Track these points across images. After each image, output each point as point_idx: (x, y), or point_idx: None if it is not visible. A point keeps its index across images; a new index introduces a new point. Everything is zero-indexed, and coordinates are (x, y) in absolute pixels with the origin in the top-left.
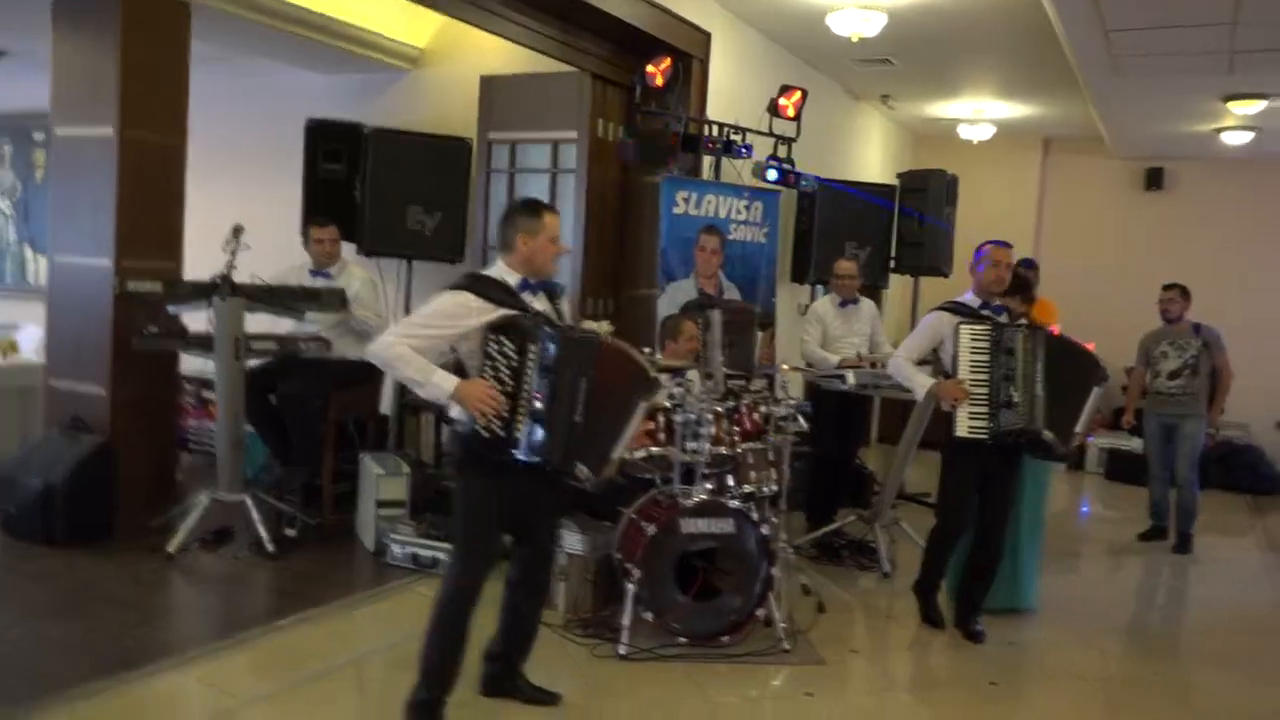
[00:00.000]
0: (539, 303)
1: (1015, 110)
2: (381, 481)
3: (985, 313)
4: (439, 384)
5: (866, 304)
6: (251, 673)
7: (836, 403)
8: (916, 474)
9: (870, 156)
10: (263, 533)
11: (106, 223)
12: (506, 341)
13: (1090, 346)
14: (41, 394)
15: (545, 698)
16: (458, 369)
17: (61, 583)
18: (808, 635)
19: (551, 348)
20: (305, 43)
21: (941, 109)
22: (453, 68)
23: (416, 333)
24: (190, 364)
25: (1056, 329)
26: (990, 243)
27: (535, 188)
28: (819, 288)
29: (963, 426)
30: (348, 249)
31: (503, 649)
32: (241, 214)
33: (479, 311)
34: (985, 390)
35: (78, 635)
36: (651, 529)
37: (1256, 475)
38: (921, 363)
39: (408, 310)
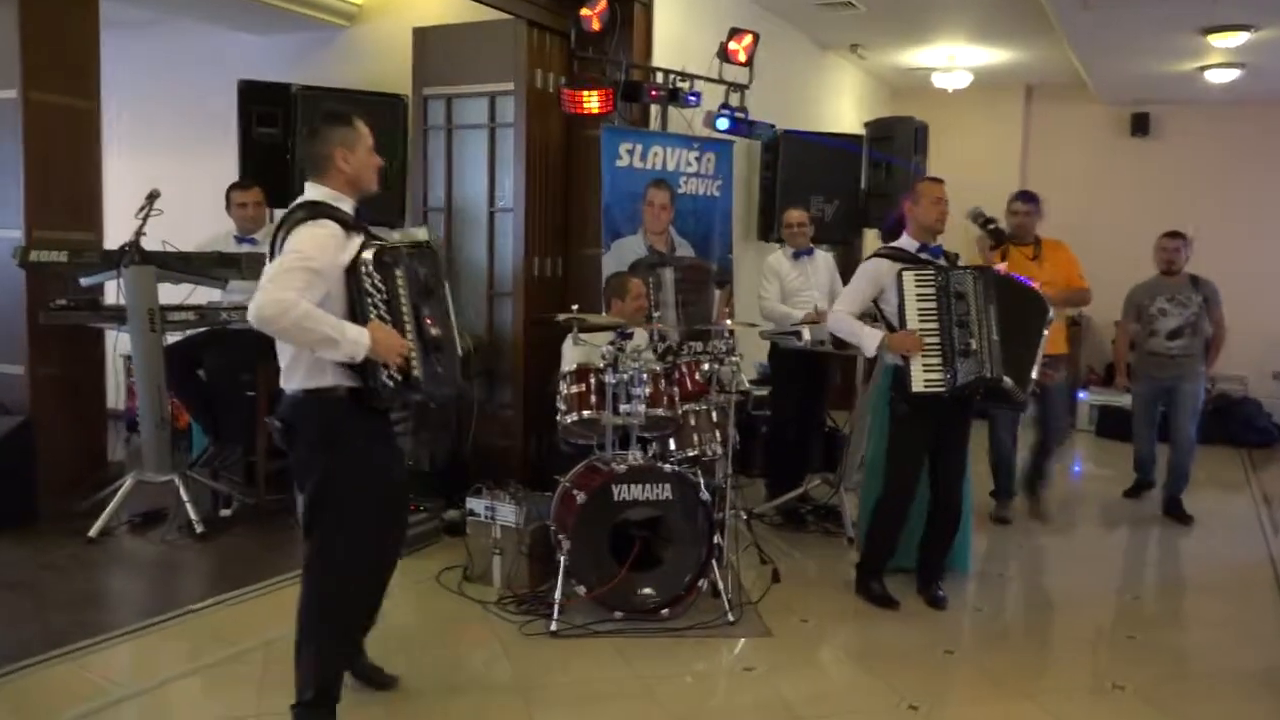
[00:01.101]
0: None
1: (993, 56)
2: None
3: (924, 256)
4: (355, 338)
5: (822, 256)
6: (144, 660)
7: (797, 361)
8: None
9: (842, 110)
10: (192, 514)
11: (14, 191)
12: (375, 275)
13: (1037, 286)
14: None
15: (381, 680)
16: None
17: None
18: (756, 606)
19: (419, 268)
20: (237, 1)
21: (914, 57)
22: (390, 22)
23: (305, 280)
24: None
25: (1085, 284)
26: (926, 179)
27: (473, 143)
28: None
29: (919, 380)
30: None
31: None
32: (179, 182)
33: (347, 243)
34: (937, 340)
35: None
36: (581, 496)
37: (1252, 428)
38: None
39: None
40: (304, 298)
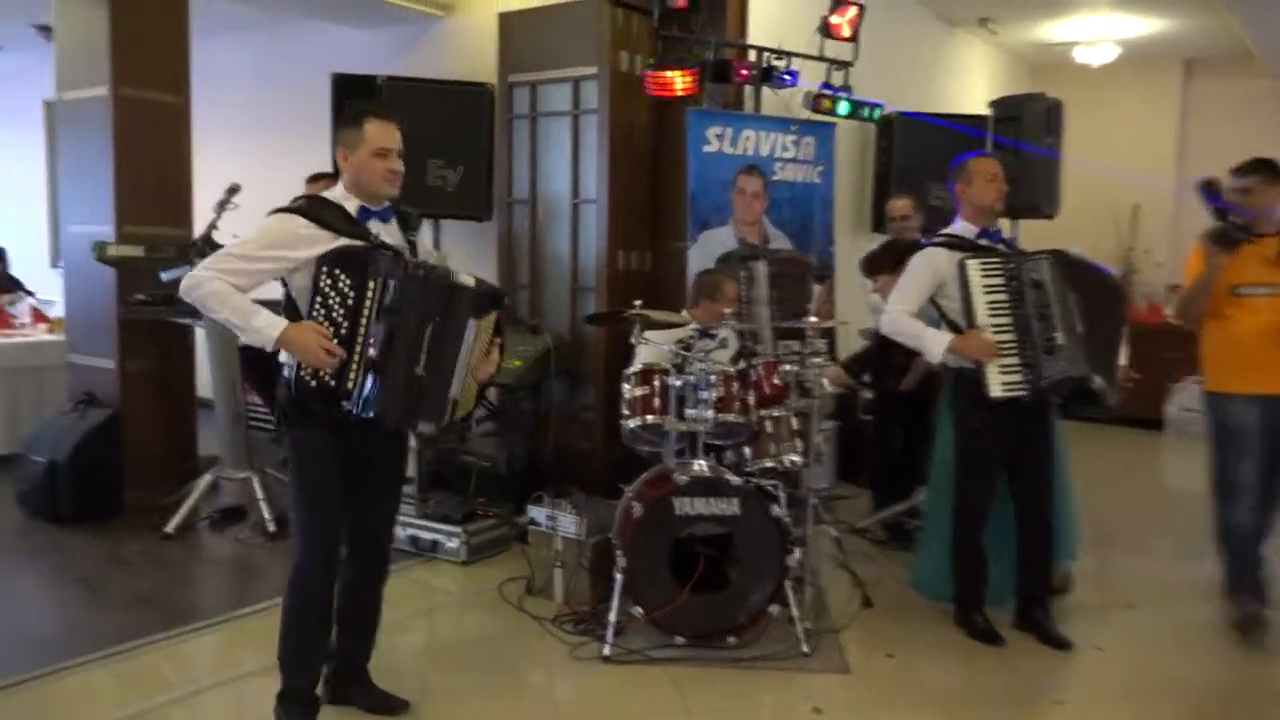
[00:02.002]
0: (389, 233)
1: (1144, 27)
2: None
3: (984, 242)
4: (261, 327)
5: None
6: (180, 668)
7: (906, 362)
8: None
9: (971, 90)
10: (265, 512)
11: (106, 188)
12: (342, 276)
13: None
14: (59, 371)
15: (391, 705)
16: (290, 311)
17: (43, 562)
18: (839, 636)
19: (393, 284)
20: None
21: (1053, 30)
22: (485, 10)
23: (236, 265)
24: None
25: None
26: (977, 155)
27: (557, 132)
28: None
29: (997, 385)
30: None
31: (339, 644)
32: (277, 177)
33: (310, 240)
34: (1013, 336)
35: (15, 620)
36: (639, 509)
37: None
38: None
39: None
40: (224, 279)
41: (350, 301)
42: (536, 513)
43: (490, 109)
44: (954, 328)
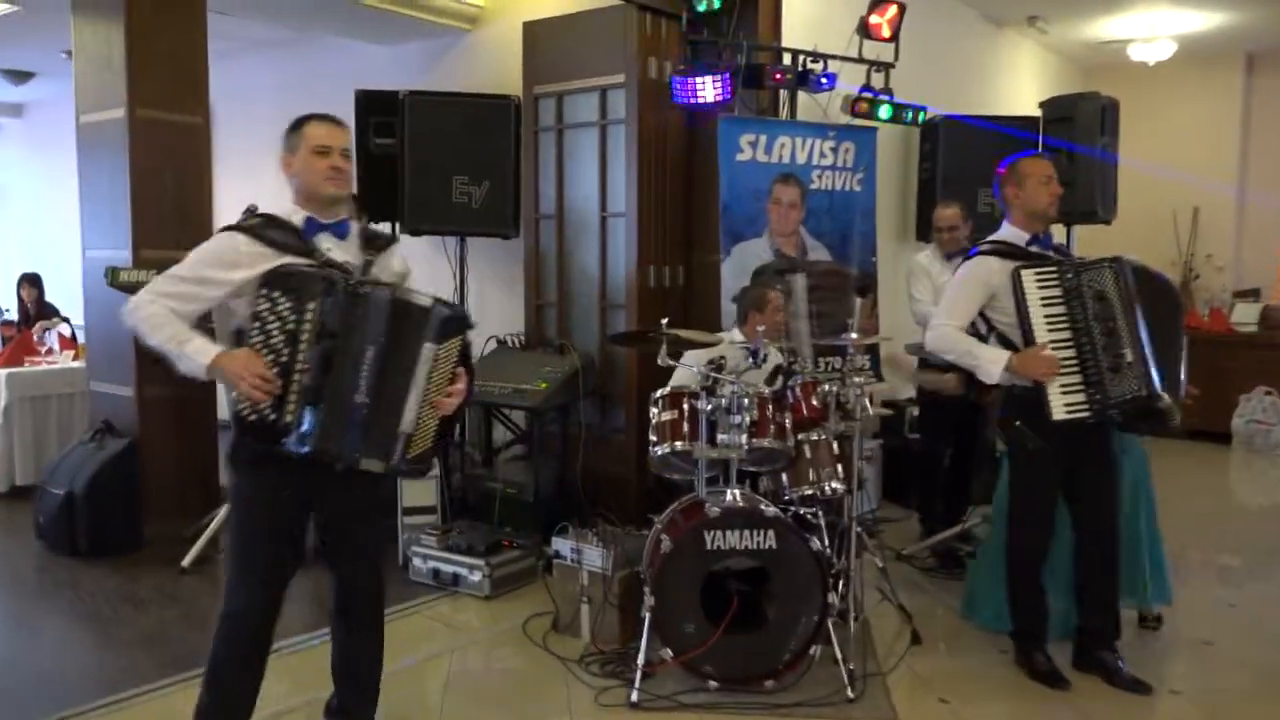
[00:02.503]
0: (344, 250)
1: (1203, 21)
2: (406, 485)
3: (1036, 249)
4: (193, 355)
5: None
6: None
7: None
8: None
9: (1020, 92)
10: None
11: (123, 212)
12: (280, 298)
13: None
14: (85, 398)
15: None
16: (238, 343)
17: (58, 599)
18: (885, 678)
19: (329, 304)
20: (364, 12)
21: (1106, 27)
22: (511, 21)
23: (175, 288)
24: None
25: None
26: (1028, 156)
27: (584, 143)
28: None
29: (1059, 407)
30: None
31: (339, 702)
32: None
33: (253, 259)
34: (1074, 353)
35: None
36: (667, 543)
37: None
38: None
39: (462, 298)
40: (162, 303)
41: (289, 326)
42: (561, 545)
43: (515, 122)
44: (1005, 343)
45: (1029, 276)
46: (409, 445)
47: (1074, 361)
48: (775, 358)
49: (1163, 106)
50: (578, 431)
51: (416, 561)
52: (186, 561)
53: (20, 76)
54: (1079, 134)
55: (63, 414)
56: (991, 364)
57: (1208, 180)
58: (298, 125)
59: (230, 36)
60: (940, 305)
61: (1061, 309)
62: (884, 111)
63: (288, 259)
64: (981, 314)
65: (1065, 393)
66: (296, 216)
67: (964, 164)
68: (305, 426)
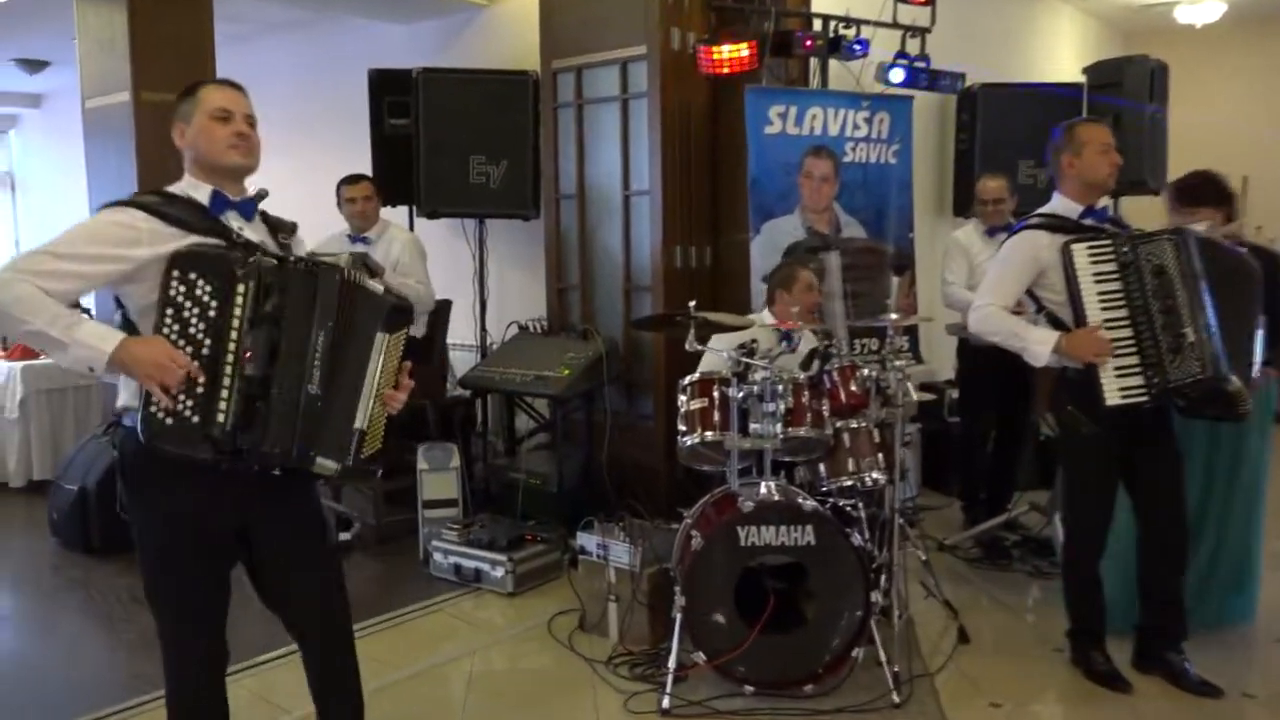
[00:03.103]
0: (253, 231)
1: None
2: (426, 478)
3: (1089, 222)
4: (87, 341)
5: None
6: None
7: (994, 359)
8: None
9: (1058, 60)
10: None
11: None
12: (199, 281)
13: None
14: (99, 394)
15: None
16: (127, 331)
17: (69, 598)
18: (933, 680)
19: (277, 287)
20: None
21: None
22: None
23: (50, 265)
24: None
25: None
26: (1084, 121)
27: (605, 119)
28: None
29: (1113, 391)
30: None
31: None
32: (323, 179)
33: (153, 237)
34: (1130, 333)
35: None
36: (698, 540)
37: None
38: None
39: (481, 282)
40: (32, 282)
41: (212, 313)
42: (587, 540)
43: (534, 98)
44: (1055, 323)
45: (1080, 251)
46: (362, 443)
47: (1131, 342)
48: (809, 341)
49: (1210, 72)
50: (603, 419)
51: (437, 557)
52: None
53: (34, 65)
54: (1127, 100)
55: (80, 407)
56: (1039, 345)
57: (1258, 149)
58: (191, 90)
59: (243, 19)
60: (983, 284)
61: (1117, 285)
62: (921, 80)
63: (194, 238)
64: (1031, 293)
65: (1120, 376)
66: (199, 192)
67: (1004, 134)
68: (246, 422)
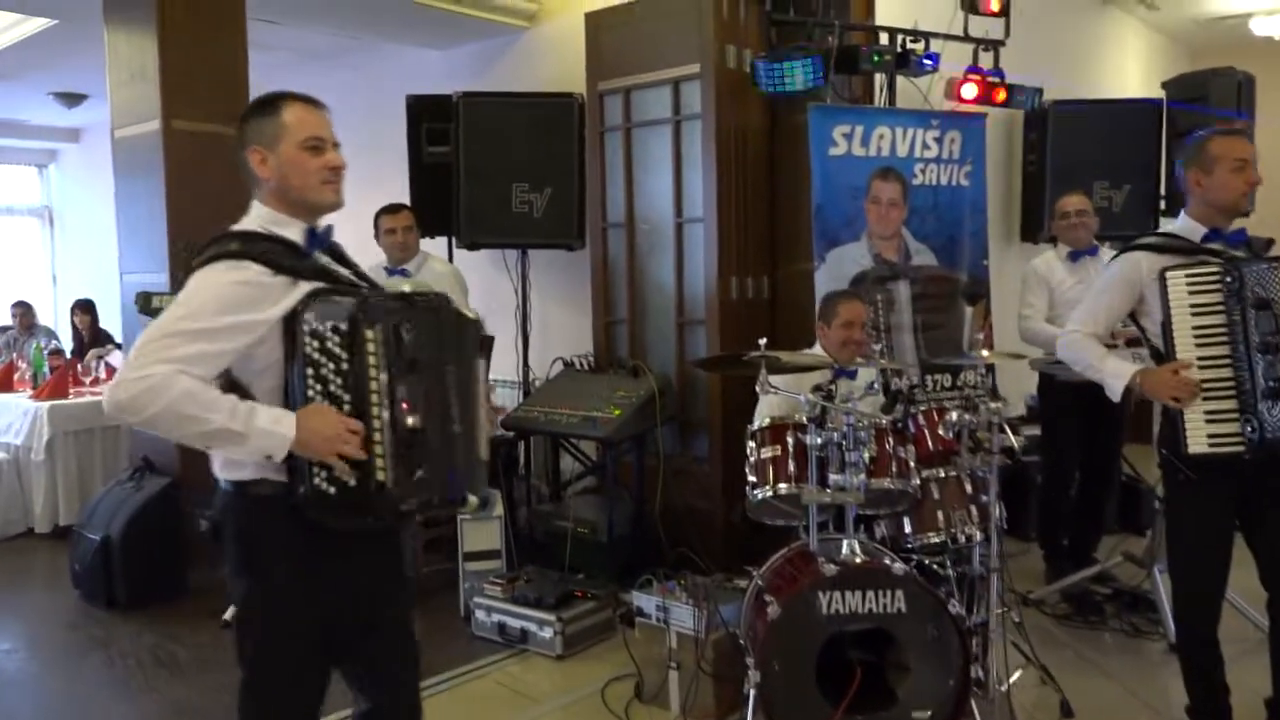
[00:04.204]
0: (332, 264)
1: None
2: (468, 527)
3: (1216, 245)
4: (268, 428)
5: (1108, 255)
6: None
7: (1079, 396)
8: None
9: (1127, 78)
10: None
11: (160, 232)
12: (331, 334)
13: None
14: (128, 434)
15: None
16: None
17: (89, 660)
18: None
19: (408, 327)
20: (418, 12)
21: (1223, 1)
22: (573, 16)
23: (193, 350)
24: None
25: None
26: (1219, 132)
27: (655, 142)
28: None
29: (1198, 438)
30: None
31: None
32: (364, 210)
33: (274, 293)
34: (1229, 373)
35: None
36: (775, 608)
37: None
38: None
39: (524, 315)
40: (187, 372)
41: (345, 365)
42: (644, 601)
43: (579, 122)
44: (1157, 356)
45: (1177, 279)
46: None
47: (1229, 384)
48: (866, 376)
49: None
50: (655, 463)
51: (480, 615)
52: (228, 615)
53: (72, 100)
54: (1213, 115)
55: (107, 449)
56: (1114, 379)
57: None
58: (270, 108)
59: (276, 47)
60: (1077, 309)
61: (1218, 320)
62: (999, 95)
63: (304, 284)
64: (1137, 322)
65: (1211, 421)
66: (287, 229)
67: (1076, 153)
68: (418, 476)
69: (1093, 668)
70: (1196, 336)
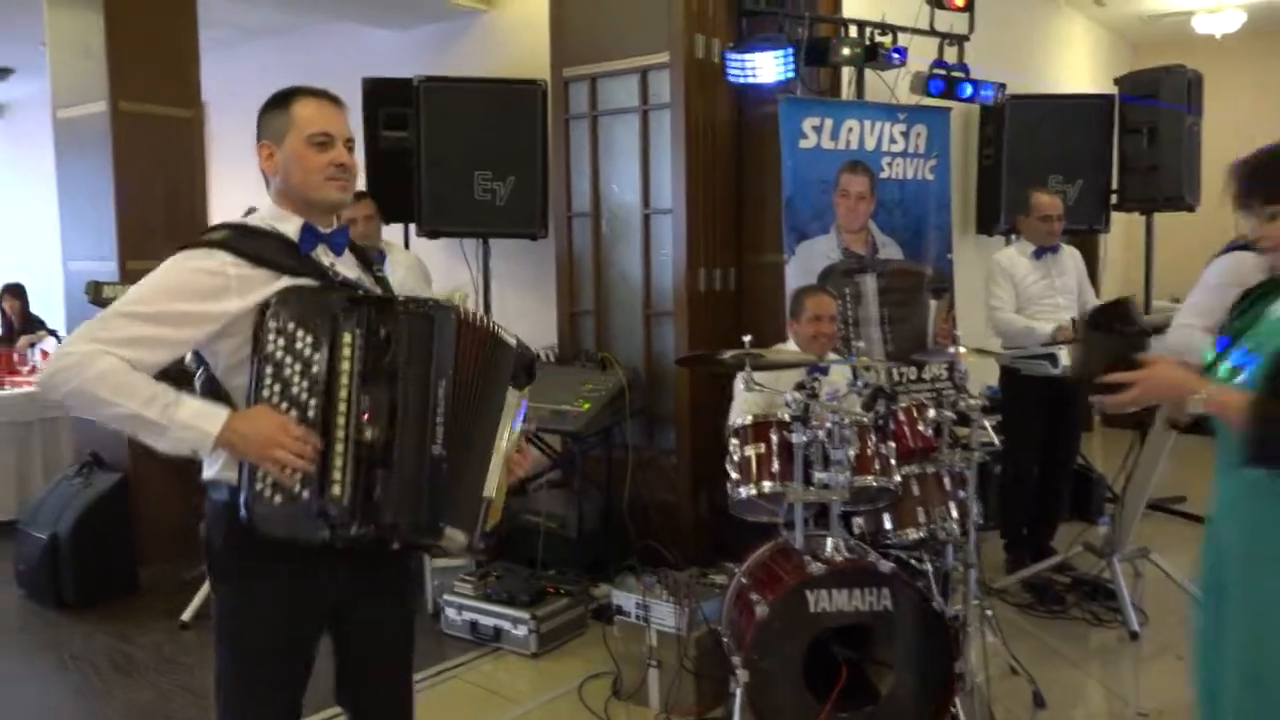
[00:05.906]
0: (345, 266)
1: None
2: None
3: None
4: (190, 422)
5: (1068, 251)
6: None
7: (1042, 390)
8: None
9: (1075, 73)
10: None
11: (108, 218)
12: (300, 332)
13: None
14: (69, 427)
15: None
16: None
17: (37, 663)
18: None
19: (383, 333)
20: None
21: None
22: (532, 1)
23: (134, 332)
24: None
25: None
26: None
27: (622, 132)
28: (1014, 238)
29: None
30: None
31: None
32: None
33: (242, 284)
34: None
35: None
36: (762, 608)
37: None
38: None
39: (485, 306)
40: (115, 354)
41: (316, 368)
42: (623, 599)
43: (543, 109)
44: None
45: None
46: (488, 514)
47: None
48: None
49: (1230, 83)
50: (623, 455)
51: (450, 613)
52: (187, 615)
53: None
54: (1162, 113)
55: (48, 441)
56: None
57: None
58: (282, 102)
59: (223, 24)
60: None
61: None
62: (964, 90)
63: (286, 280)
64: None
65: None
66: (287, 224)
67: (1032, 147)
68: (375, 494)
69: (1060, 659)
70: None
